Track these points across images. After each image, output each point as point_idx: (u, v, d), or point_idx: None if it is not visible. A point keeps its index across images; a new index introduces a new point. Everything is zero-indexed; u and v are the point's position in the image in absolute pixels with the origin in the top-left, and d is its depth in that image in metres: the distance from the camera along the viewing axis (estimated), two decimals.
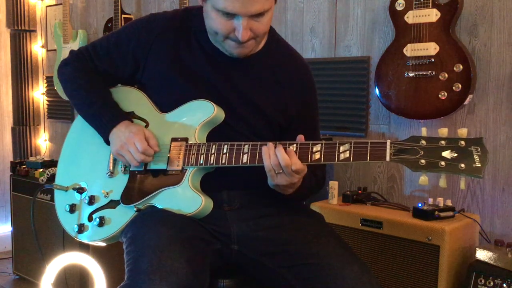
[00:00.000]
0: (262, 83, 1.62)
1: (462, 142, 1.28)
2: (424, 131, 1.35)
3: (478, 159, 1.26)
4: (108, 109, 1.65)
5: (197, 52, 1.61)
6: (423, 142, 1.31)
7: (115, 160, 1.65)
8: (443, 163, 1.28)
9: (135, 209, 1.57)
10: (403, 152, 1.32)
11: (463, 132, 1.29)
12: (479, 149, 1.27)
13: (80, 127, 1.76)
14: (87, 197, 1.66)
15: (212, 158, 1.51)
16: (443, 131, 1.31)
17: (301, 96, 1.66)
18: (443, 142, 1.29)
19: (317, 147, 1.41)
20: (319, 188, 1.72)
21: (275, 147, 1.42)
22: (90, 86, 1.70)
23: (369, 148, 1.35)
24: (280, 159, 1.40)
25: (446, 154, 1.29)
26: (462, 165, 1.27)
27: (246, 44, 1.51)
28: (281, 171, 1.41)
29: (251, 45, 1.53)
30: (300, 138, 1.46)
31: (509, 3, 2.14)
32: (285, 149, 1.41)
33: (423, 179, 1.34)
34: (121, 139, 1.57)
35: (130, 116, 1.67)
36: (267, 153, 1.42)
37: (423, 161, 1.30)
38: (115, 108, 1.67)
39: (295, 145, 1.43)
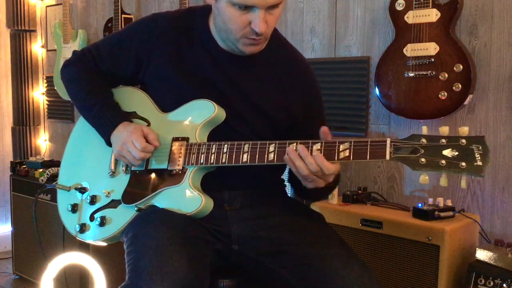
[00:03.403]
0: (264, 83, 1.62)
1: (463, 141, 1.27)
2: (424, 130, 1.34)
3: (479, 158, 1.25)
4: (108, 111, 1.65)
5: (199, 51, 1.61)
6: (424, 140, 1.31)
7: (116, 160, 1.65)
8: (443, 161, 1.28)
9: (136, 209, 1.57)
10: (403, 151, 1.32)
11: (464, 130, 1.28)
12: (480, 148, 1.26)
13: (82, 127, 1.76)
14: (88, 197, 1.66)
15: (212, 157, 1.51)
16: (444, 130, 1.30)
17: (304, 96, 1.66)
18: (443, 140, 1.29)
19: (317, 146, 1.40)
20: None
21: (297, 151, 1.39)
22: (91, 87, 1.70)
23: (369, 147, 1.35)
24: (309, 166, 1.37)
25: (447, 152, 1.28)
26: (463, 164, 1.26)
27: (259, 40, 1.50)
28: (314, 177, 1.39)
29: (262, 42, 1.53)
30: (324, 130, 1.42)
31: (509, 3, 2.14)
32: (310, 150, 1.38)
33: (424, 178, 1.33)
34: (121, 140, 1.58)
35: (131, 117, 1.67)
36: (290, 162, 1.40)
37: (423, 159, 1.30)
38: (114, 109, 1.67)
39: (295, 144, 1.43)
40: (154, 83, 1.66)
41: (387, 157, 1.32)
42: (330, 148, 1.39)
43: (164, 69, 1.62)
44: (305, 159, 1.38)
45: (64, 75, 1.77)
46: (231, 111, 1.58)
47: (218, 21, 1.54)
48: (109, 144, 1.64)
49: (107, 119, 1.63)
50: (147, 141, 1.56)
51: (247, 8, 1.44)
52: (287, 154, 1.41)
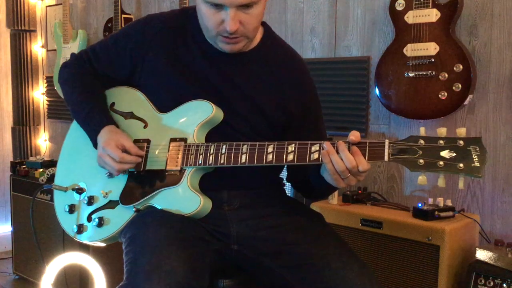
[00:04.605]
0: (261, 81, 1.62)
1: (461, 142, 1.27)
2: (422, 131, 1.34)
3: (476, 159, 1.26)
4: (96, 115, 1.65)
5: (194, 51, 1.61)
6: (422, 142, 1.31)
7: None
8: (441, 163, 1.28)
9: (134, 209, 1.57)
10: (401, 152, 1.32)
11: (461, 131, 1.29)
12: (477, 149, 1.26)
13: (78, 127, 1.75)
14: (86, 198, 1.66)
15: (210, 158, 1.51)
16: (442, 131, 1.30)
17: (300, 94, 1.65)
18: (441, 141, 1.29)
19: (315, 147, 1.40)
20: None
21: (335, 148, 1.37)
22: (83, 90, 1.71)
23: (367, 148, 1.35)
24: (345, 161, 1.35)
25: (445, 153, 1.28)
26: (461, 165, 1.26)
27: (236, 39, 1.50)
28: (348, 175, 1.37)
29: (242, 41, 1.53)
30: (355, 135, 1.37)
31: (509, 3, 2.13)
32: (348, 148, 1.36)
33: (422, 179, 1.34)
34: (99, 151, 1.59)
35: (128, 116, 1.67)
36: (327, 157, 1.37)
37: (421, 161, 1.30)
38: (102, 114, 1.67)
39: (293, 144, 1.43)
40: (151, 83, 1.66)
41: (386, 158, 1.33)
42: None
43: (160, 69, 1.62)
44: (342, 153, 1.36)
45: (60, 77, 1.78)
46: (229, 109, 1.58)
47: (199, 18, 1.56)
48: (95, 147, 1.64)
49: (93, 124, 1.64)
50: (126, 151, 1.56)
51: (218, 6, 1.45)
52: (324, 149, 1.38)
